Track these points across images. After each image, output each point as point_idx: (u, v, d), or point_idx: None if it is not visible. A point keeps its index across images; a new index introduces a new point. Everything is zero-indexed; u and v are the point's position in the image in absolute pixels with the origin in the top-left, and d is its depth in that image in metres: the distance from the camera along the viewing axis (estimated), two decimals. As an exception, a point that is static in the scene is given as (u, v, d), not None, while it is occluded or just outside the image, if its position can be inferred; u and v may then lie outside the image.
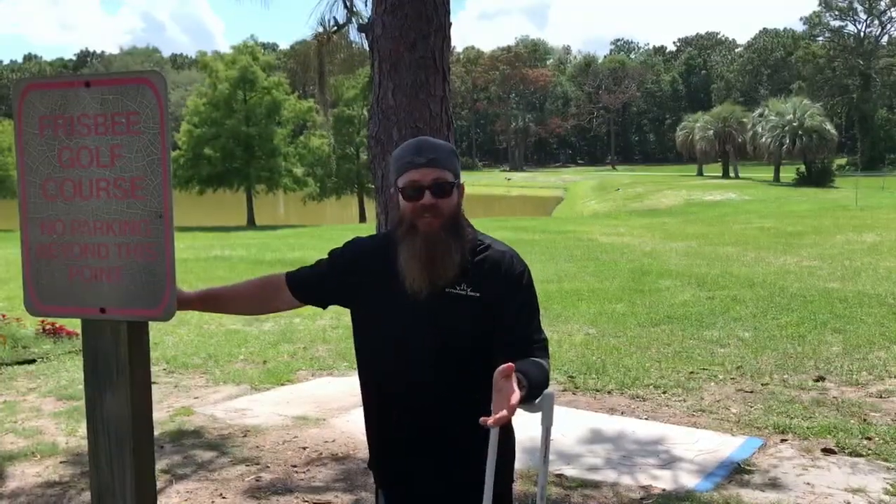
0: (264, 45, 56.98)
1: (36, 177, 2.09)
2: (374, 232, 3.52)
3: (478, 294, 2.04)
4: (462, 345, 2.04)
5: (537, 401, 1.98)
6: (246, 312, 2.47)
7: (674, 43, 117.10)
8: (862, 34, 68.87)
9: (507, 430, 2.13)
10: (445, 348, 2.04)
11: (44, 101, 2.07)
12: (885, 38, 69.98)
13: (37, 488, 4.39)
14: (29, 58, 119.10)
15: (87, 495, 4.08)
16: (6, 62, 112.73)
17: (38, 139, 2.08)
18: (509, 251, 2.13)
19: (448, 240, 2.02)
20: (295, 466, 4.69)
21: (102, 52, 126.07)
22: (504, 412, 1.76)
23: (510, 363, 1.82)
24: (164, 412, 5.77)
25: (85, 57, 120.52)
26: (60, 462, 4.79)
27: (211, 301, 2.31)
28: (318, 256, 2.34)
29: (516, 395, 1.78)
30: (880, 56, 67.42)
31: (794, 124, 44.03)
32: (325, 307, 2.30)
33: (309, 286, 2.25)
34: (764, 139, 45.54)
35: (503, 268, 2.08)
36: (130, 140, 2.01)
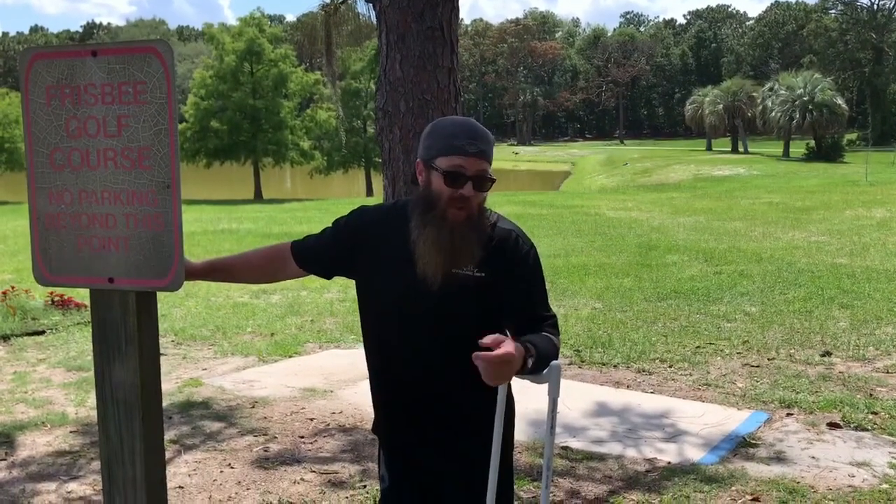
0: (271, 17, 56.66)
1: (44, 147, 2.09)
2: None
3: (482, 274, 2.03)
4: (464, 322, 2.04)
5: (544, 372, 1.99)
6: (253, 282, 2.47)
7: (684, 16, 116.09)
8: (875, 7, 67.87)
9: (506, 401, 2.14)
10: (448, 325, 2.05)
11: (50, 70, 2.06)
12: (899, 12, 69.04)
13: (47, 457, 4.44)
14: (35, 29, 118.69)
15: (96, 464, 4.13)
16: (12, 33, 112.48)
17: (46, 109, 2.07)
18: (515, 230, 2.12)
19: (472, 234, 2.01)
20: (302, 437, 4.73)
21: (109, 23, 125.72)
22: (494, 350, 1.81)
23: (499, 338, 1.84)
24: (173, 383, 5.81)
25: (91, 29, 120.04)
26: (70, 431, 4.84)
27: (218, 271, 2.32)
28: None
29: (507, 348, 1.82)
30: (893, 29, 66.46)
31: (805, 99, 43.56)
32: (329, 278, 2.29)
33: (314, 256, 2.25)
34: (774, 114, 45.10)
35: (509, 247, 2.08)
36: (138, 110, 2.00)
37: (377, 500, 2.31)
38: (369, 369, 2.24)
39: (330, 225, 2.26)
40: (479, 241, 2.02)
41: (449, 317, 2.04)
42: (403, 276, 2.06)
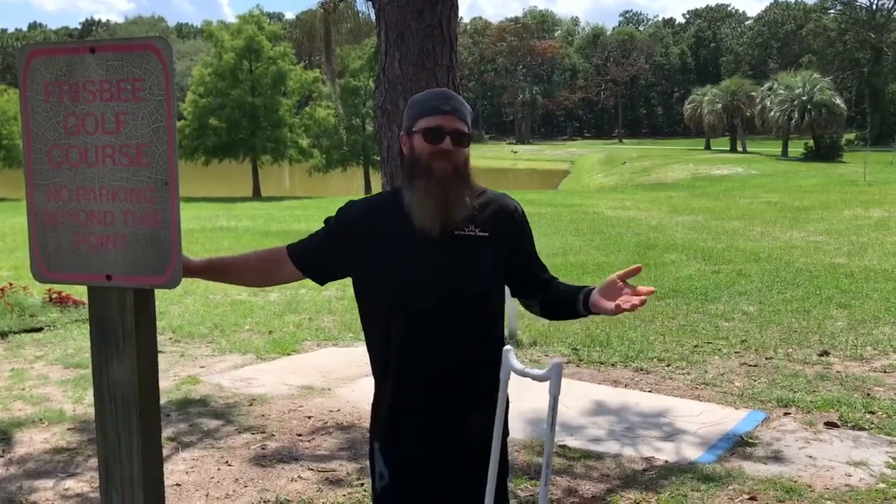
0: (270, 15, 56.64)
1: (41, 143, 2.08)
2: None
3: (486, 234, 2.14)
4: (474, 284, 2.14)
5: (546, 370, 1.99)
6: (250, 284, 2.47)
7: (683, 15, 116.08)
8: (874, 7, 67.84)
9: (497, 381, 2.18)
10: (459, 289, 2.12)
11: (49, 67, 2.05)
12: (898, 11, 68.95)
13: (45, 454, 4.44)
14: (34, 26, 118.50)
15: (93, 461, 4.13)
16: (11, 30, 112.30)
17: (44, 105, 2.07)
18: (504, 194, 2.28)
19: (460, 184, 2.12)
20: (300, 435, 4.73)
21: (107, 20, 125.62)
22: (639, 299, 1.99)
23: (639, 265, 2.07)
24: (171, 381, 5.81)
25: (90, 26, 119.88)
26: (68, 429, 4.84)
27: (216, 270, 2.32)
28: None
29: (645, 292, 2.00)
30: (892, 29, 66.35)
31: (804, 98, 43.54)
32: (322, 283, 2.30)
33: (309, 257, 2.26)
34: (772, 113, 45.07)
35: (508, 209, 2.23)
36: (136, 107, 1.99)
37: (378, 496, 2.28)
38: (376, 358, 2.22)
39: (322, 225, 2.28)
40: (469, 192, 2.13)
41: (459, 280, 2.12)
42: (408, 253, 2.10)
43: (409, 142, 2.16)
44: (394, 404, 2.20)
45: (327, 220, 2.28)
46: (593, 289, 2.14)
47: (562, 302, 2.22)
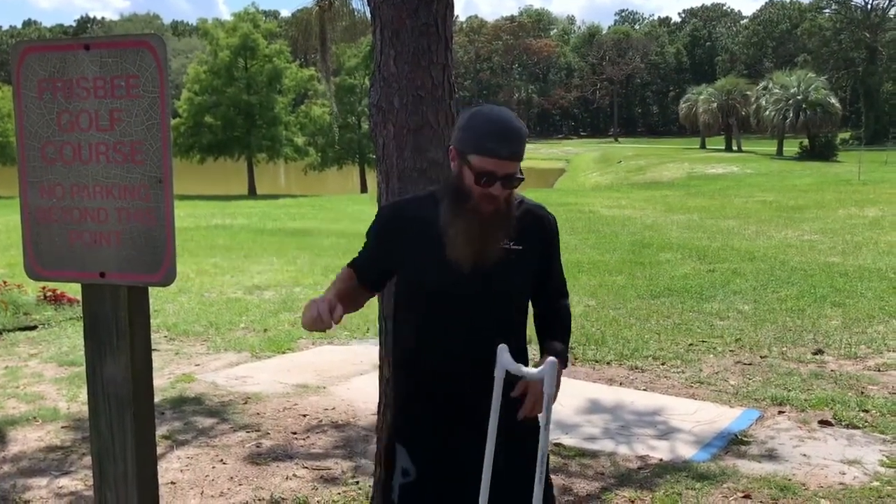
0: (265, 13, 56.49)
1: (35, 140, 2.08)
2: (374, 201, 3.54)
3: (521, 247, 2.19)
4: (504, 296, 2.19)
5: (541, 367, 2.00)
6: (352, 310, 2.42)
7: (679, 14, 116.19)
8: (869, 6, 67.99)
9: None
10: (488, 298, 2.16)
11: (42, 64, 2.05)
12: (893, 11, 69.01)
13: (38, 452, 4.42)
14: (28, 23, 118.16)
15: (88, 460, 4.12)
16: (5, 27, 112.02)
17: (37, 102, 2.06)
18: (540, 205, 2.33)
19: (500, 225, 2.13)
20: (295, 433, 4.72)
21: (103, 18, 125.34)
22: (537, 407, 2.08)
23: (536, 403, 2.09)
24: (165, 379, 5.80)
25: (85, 23, 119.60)
26: (62, 427, 4.82)
27: (345, 303, 2.21)
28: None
29: (542, 403, 1.98)
30: (887, 29, 66.50)
31: (799, 98, 43.61)
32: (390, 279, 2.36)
33: (375, 276, 2.30)
34: (768, 112, 45.13)
35: (542, 222, 2.29)
36: (130, 104, 1.99)
37: (398, 495, 2.27)
38: (402, 354, 2.28)
39: (365, 239, 2.30)
40: (506, 230, 2.16)
41: (492, 291, 2.16)
42: (438, 259, 2.13)
43: (459, 164, 2.11)
44: (417, 403, 2.24)
45: (369, 233, 2.29)
46: (549, 350, 2.22)
47: (540, 332, 2.32)
